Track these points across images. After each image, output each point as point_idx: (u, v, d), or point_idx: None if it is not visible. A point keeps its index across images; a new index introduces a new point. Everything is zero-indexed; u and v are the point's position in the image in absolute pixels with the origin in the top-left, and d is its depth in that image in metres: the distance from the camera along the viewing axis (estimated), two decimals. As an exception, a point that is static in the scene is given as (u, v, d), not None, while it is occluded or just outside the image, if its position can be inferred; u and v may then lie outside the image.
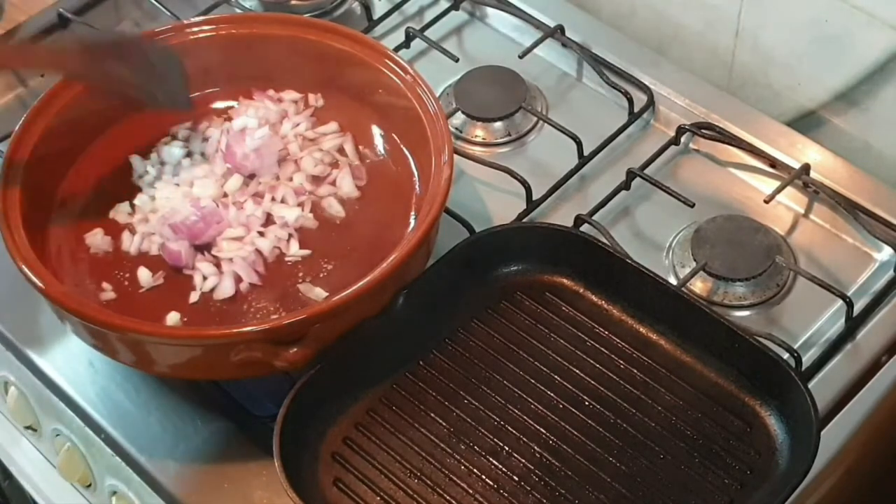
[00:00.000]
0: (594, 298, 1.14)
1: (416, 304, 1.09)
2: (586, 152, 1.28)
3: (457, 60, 1.36)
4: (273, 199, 1.17)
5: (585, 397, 1.08)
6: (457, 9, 1.43)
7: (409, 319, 1.09)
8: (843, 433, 1.09)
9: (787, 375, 1.04)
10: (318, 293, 1.10)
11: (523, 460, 1.05)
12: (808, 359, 1.13)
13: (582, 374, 1.09)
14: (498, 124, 1.32)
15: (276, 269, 1.13)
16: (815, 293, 1.16)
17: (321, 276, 1.12)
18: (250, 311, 1.10)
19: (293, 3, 1.46)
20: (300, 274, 1.12)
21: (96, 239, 1.15)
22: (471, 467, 1.05)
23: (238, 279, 1.11)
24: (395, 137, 1.23)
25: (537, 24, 1.39)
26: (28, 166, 1.13)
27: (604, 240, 1.16)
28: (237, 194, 1.17)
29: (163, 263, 1.13)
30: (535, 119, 1.33)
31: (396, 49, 1.35)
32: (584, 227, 1.20)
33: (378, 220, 1.17)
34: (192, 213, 1.12)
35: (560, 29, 1.38)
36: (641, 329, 1.12)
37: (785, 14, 1.32)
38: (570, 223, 1.21)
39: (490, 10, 1.43)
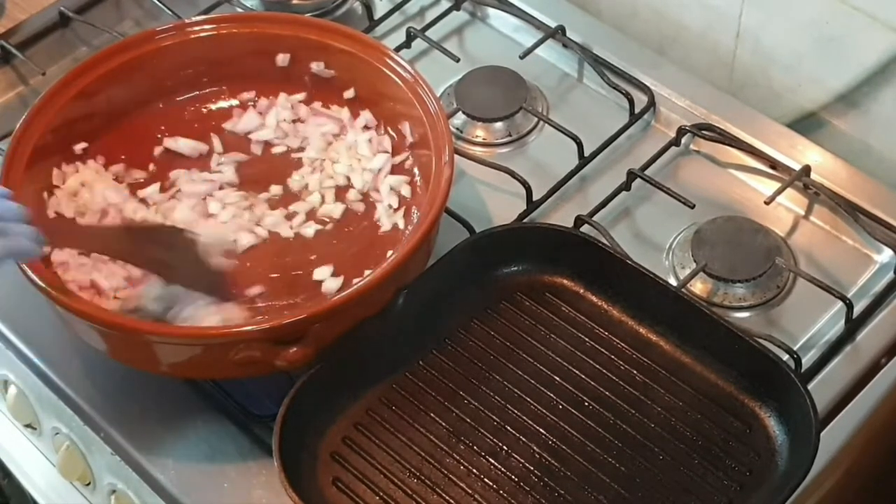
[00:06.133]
0: (594, 299, 1.14)
1: (416, 304, 1.09)
2: (587, 153, 1.28)
3: (458, 61, 1.36)
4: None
5: (585, 398, 1.08)
6: (458, 9, 1.43)
7: (409, 319, 1.09)
8: (842, 434, 1.09)
9: (786, 377, 1.04)
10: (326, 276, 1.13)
11: (522, 460, 1.05)
12: (807, 360, 1.13)
13: (581, 375, 1.09)
14: (498, 124, 1.32)
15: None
16: (815, 295, 1.16)
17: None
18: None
19: (294, 2, 1.46)
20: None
21: None
22: (470, 467, 1.05)
23: None
24: (396, 137, 1.23)
25: (538, 25, 1.39)
26: (29, 165, 1.13)
27: (604, 240, 1.16)
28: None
29: None
30: (535, 119, 1.33)
31: (397, 49, 1.35)
32: (585, 228, 1.20)
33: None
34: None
35: (561, 29, 1.38)
36: (641, 330, 1.12)
37: (786, 15, 1.32)
38: (570, 224, 1.21)
39: (491, 11, 1.43)
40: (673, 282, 1.18)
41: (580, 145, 1.28)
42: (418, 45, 1.39)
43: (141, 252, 1.09)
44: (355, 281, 1.08)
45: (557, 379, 1.09)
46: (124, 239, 1.11)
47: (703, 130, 1.30)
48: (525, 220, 1.23)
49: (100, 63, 1.21)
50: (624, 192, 1.25)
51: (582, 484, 1.03)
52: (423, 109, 1.17)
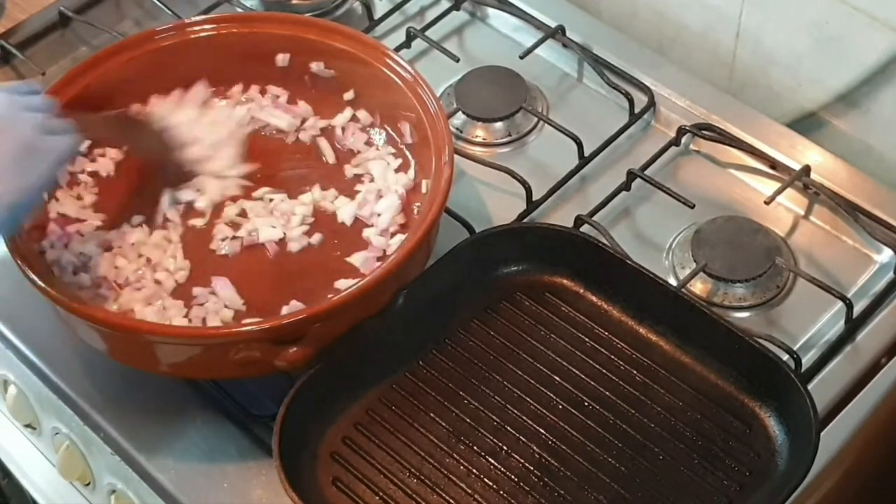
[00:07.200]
0: (594, 299, 1.14)
1: (416, 304, 1.09)
2: (587, 153, 1.28)
3: (457, 60, 1.36)
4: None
5: (585, 398, 1.08)
6: (458, 9, 1.43)
7: (409, 319, 1.09)
8: (842, 435, 1.09)
9: (786, 377, 1.04)
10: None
11: (522, 461, 1.05)
12: (807, 360, 1.13)
13: (581, 375, 1.09)
14: (498, 124, 1.32)
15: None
16: (815, 295, 1.16)
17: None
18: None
19: (294, 2, 1.46)
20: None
21: None
22: (470, 467, 1.05)
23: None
24: (396, 137, 1.23)
25: (538, 25, 1.39)
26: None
27: (604, 240, 1.16)
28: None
29: None
30: (535, 119, 1.33)
31: (397, 49, 1.35)
32: (585, 228, 1.20)
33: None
34: None
35: (561, 29, 1.38)
36: (641, 330, 1.12)
37: (786, 15, 1.32)
38: (570, 224, 1.21)
39: (491, 11, 1.43)
40: (673, 282, 1.18)
41: (580, 145, 1.28)
42: (418, 45, 1.39)
43: (131, 139, 1.18)
44: (355, 281, 1.08)
45: (557, 379, 1.09)
46: (120, 128, 1.19)
47: (703, 130, 1.30)
48: (525, 220, 1.23)
49: (100, 63, 1.21)
50: (624, 192, 1.25)
51: (582, 484, 1.03)
52: (423, 109, 1.17)
